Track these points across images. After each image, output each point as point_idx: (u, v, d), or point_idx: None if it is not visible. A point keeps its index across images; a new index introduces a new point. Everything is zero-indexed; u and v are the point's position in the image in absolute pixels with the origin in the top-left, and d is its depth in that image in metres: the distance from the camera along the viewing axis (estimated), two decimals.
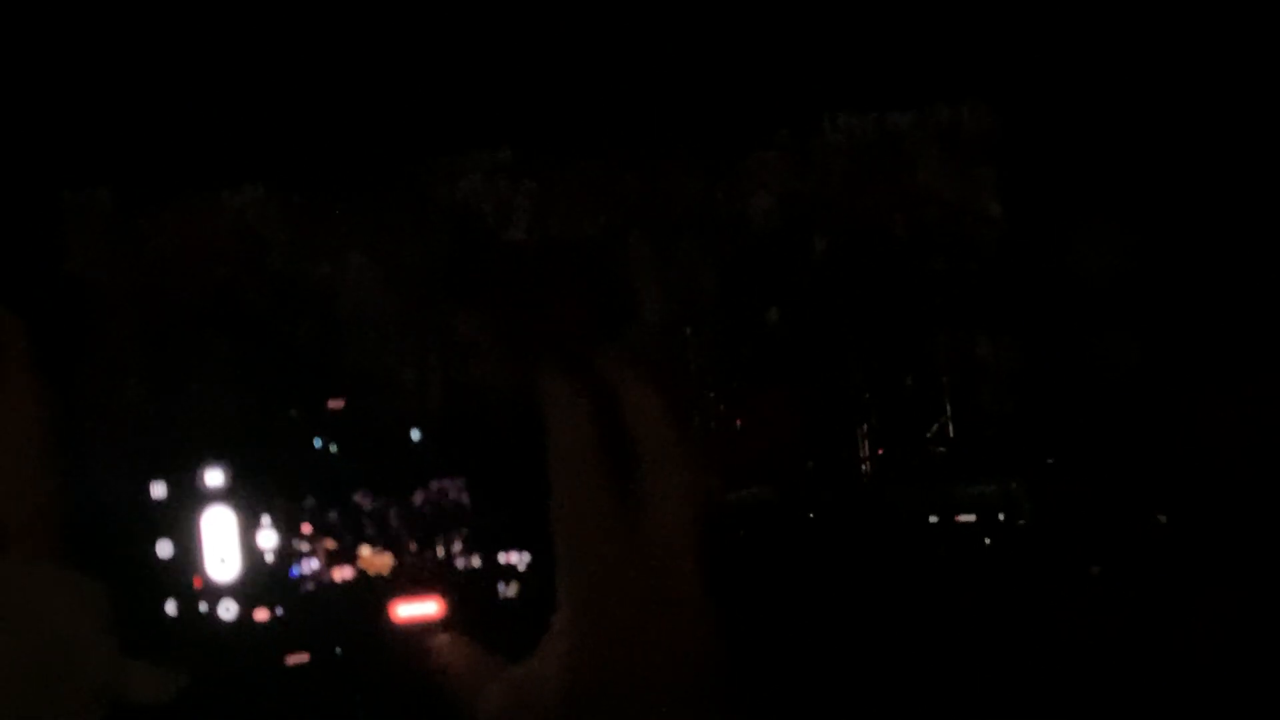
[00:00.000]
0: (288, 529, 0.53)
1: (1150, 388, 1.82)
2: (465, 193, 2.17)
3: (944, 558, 1.72)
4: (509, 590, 0.53)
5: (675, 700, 0.54)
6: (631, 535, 0.55)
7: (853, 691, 1.45)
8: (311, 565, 0.54)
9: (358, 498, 0.53)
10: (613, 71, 2.11)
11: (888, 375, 2.09)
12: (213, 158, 2.03)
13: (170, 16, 1.90)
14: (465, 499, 0.53)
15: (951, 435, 2.01)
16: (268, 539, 0.52)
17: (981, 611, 1.61)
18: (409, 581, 0.54)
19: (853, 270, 2.09)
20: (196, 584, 0.52)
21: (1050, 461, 1.86)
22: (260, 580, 0.53)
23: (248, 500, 0.52)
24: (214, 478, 0.50)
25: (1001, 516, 1.74)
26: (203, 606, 0.50)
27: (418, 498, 0.53)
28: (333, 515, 0.53)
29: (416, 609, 0.56)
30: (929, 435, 2.03)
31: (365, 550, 0.55)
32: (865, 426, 2.08)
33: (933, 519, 1.77)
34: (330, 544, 0.54)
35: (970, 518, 1.75)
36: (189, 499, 0.50)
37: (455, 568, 0.53)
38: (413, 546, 0.54)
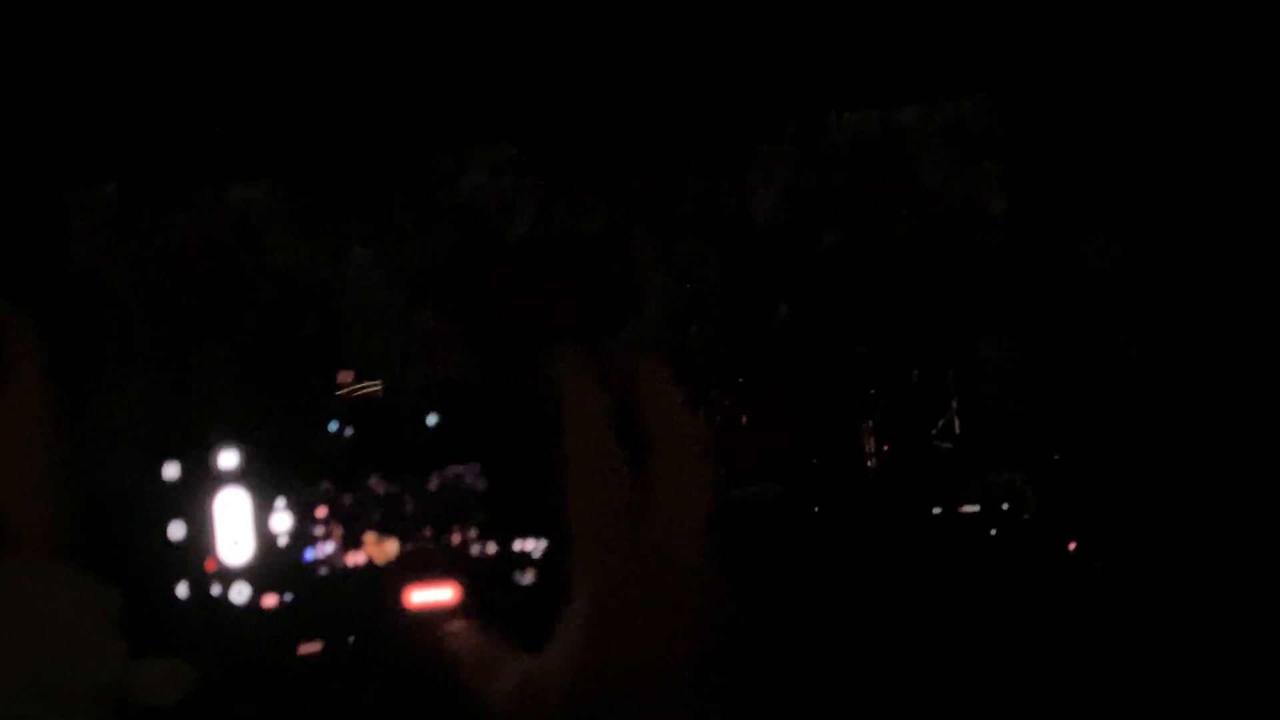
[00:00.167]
0: (301, 513, 0.52)
1: (1154, 385, 1.82)
2: (469, 189, 2.17)
3: (948, 551, 1.72)
4: (524, 578, 0.52)
5: (688, 691, 0.53)
6: (645, 526, 0.54)
7: (857, 687, 1.45)
8: (325, 550, 0.54)
9: (372, 482, 0.52)
10: (616, 68, 2.11)
11: (892, 372, 2.09)
12: (216, 154, 2.03)
13: (174, 12, 1.90)
14: (481, 485, 0.53)
15: (957, 431, 2.01)
16: (281, 522, 0.51)
17: (985, 607, 1.61)
18: (424, 568, 0.54)
19: (857, 266, 2.09)
20: (209, 567, 0.51)
21: (1056, 457, 1.87)
22: (273, 564, 0.52)
23: (261, 483, 0.51)
24: (228, 459, 0.49)
25: (1006, 506, 1.74)
26: (215, 589, 0.50)
27: (433, 483, 0.53)
28: (347, 500, 0.52)
29: (431, 595, 0.55)
30: (934, 432, 2.02)
31: (370, 537, 0.54)
32: (870, 423, 2.08)
33: (936, 510, 1.78)
34: (344, 529, 0.53)
35: (974, 508, 1.76)
36: (202, 481, 0.50)
37: (470, 554, 0.53)
38: (428, 532, 0.54)
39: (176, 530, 0.49)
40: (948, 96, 2.19)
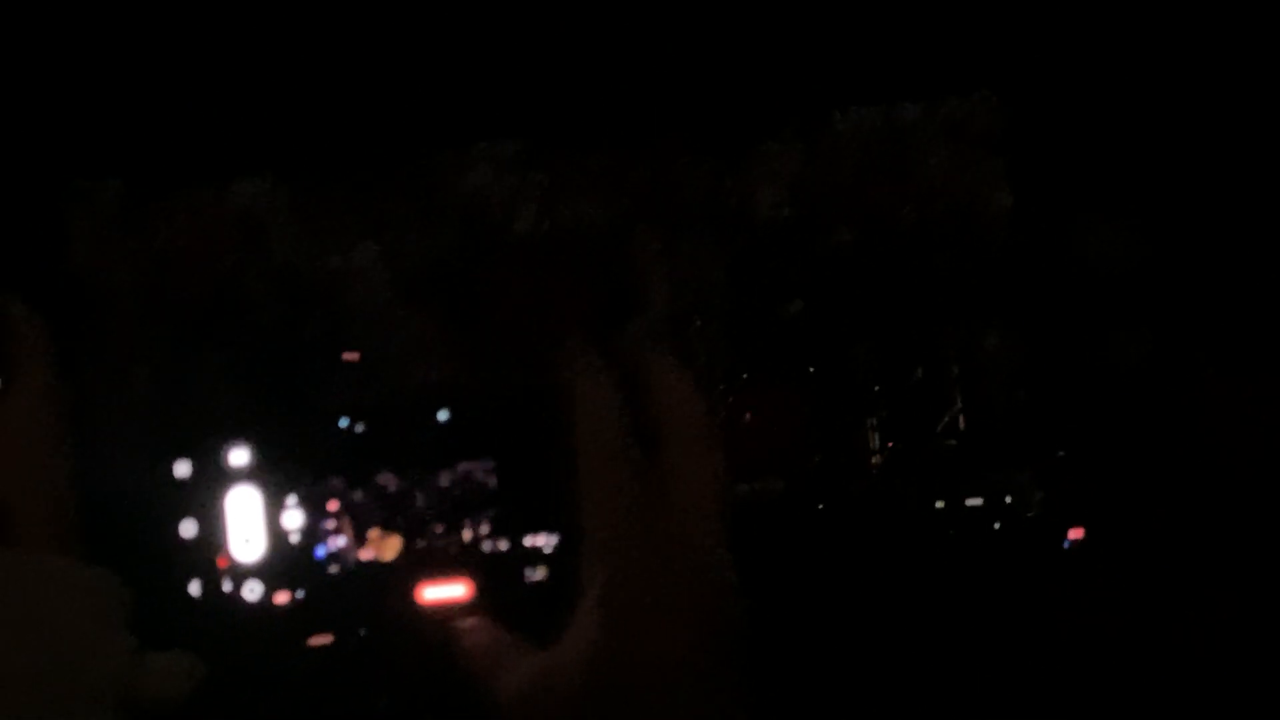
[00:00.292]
0: (313, 510, 0.52)
1: (1160, 382, 1.82)
2: (472, 186, 2.17)
3: (951, 548, 1.72)
4: (536, 573, 0.52)
5: (701, 686, 0.53)
6: (658, 520, 0.55)
7: (863, 683, 1.45)
8: (337, 546, 0.54)
9: (383, 479, 0.52)
10: (621, 64, 2.11)
11: (896, 368, 2.09)
12: (219, 151, 2.03)
13: (177, 8, 1.90)
14: (492, 481, 0.52)
15: (961, 428, 2.01)
16: (293, 519, 0.51)
17: (989, 604, 1.61)
18: (436, 564, 0.53)
19: (861, 263, 2.09)
20: (221, 564, 0.51)
21: (1061, 454, 1.87)
22: (285, 561, 0.52)
23: (273, 480, 0.51)
24: (238, 457, 0.49)
25: (1009, 500, 1.75)
26: (227, 586, 0.49)
27: (444, 479, 0.52)
28: (358, 496, 0.52)
29: (443, 591, 0.55)
30: (939, 428, 2.02)
31: (382, 533, 0.54)
32: (873, 420, 2.08)
33: (939, 504, 1.78)
34: (356, 525, 0.53)
35: (978, 501, 1.76)
36: (213, 478, 0.50)
37: (482, 550, 0.52)
38: (439, 528, 0.53)
39: (188, 528, 0.49)
40: (952, 93, 2.19)
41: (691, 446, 0.58)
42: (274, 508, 0.50)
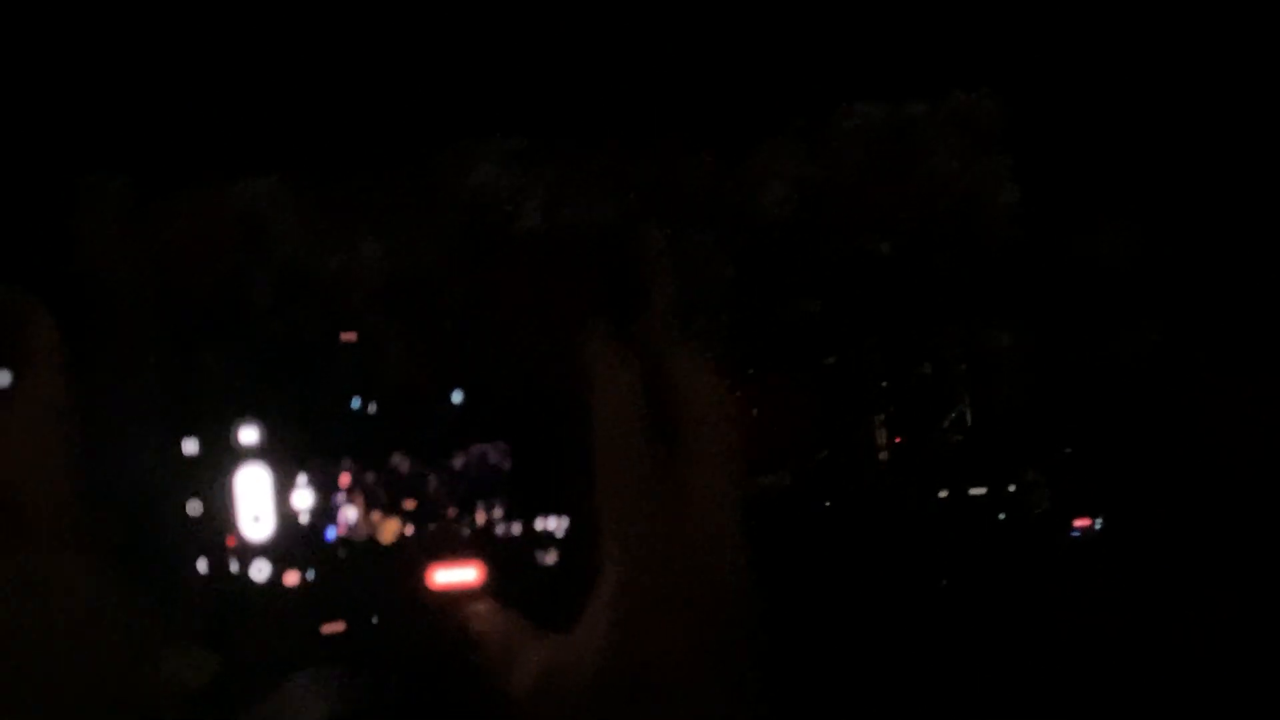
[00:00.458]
0: (323, 490, 0.51)
1: (1167, 379, 1.82)
2: (477, 182, 2.17)
3: (958, 540, 1.72)
4: (549, 558, 0.51)
5: (714, 676, 0.52)
6: (674, 508, 0.54)
7: (870, 678, 1.45)
8: (346, 528, 0.53)
9: (395, 460, 0.51)
10: (624, 60, 2.11)
11: (904, 364, 2.09)
12: (225, 147, 2.03)
13: (183, 4, 1.90)
14: (506, 464, 0.52)
15: (968, 424, 2.00)
16: (303, 499, 0.51)
17: (994, 601, 1.61)
18: (447, 547, 0.53)
19: (867, 258, 2.08)
20: (230, 543, 0.50)
21: (1068, 451, 1.87)
22: (294, 541, 0.51)
23: (283, 459, 0.50)
24: (249, 435, 0.48)
25: (1013, 489, 1.74)
26: (235, 566, 0.49)
27: (457, 462, 0.52)
28: (369, 478, 0.51)
29: (455, 575, 0.54)
30: (946, 424, 2.02)
31: (393, 515, 0.53)
32: (881, 416, 2.07)
33: (943, 494, 1.78)
34: (366, 507, 0.52)
35: (981, 490, 1.76)
36: (222, 457, 0.49)
37: (495, 534, 0.52)
38: (451, 512, 0.53)
39: (195, 506, 0.49)
40: (958, 88, 2.19)
41: (709, 437, 0.58)
42: (284, 487, 0.50)
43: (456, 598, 0.56)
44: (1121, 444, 1.75)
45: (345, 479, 0.52)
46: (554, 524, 0.54)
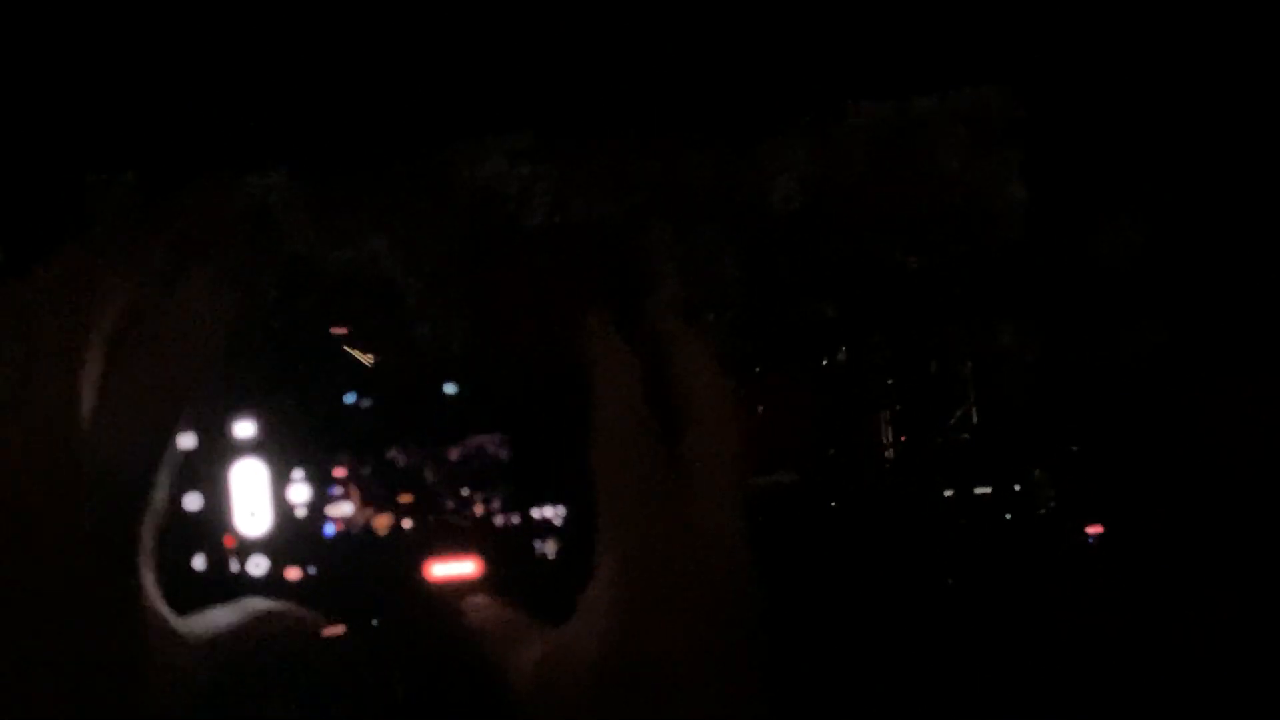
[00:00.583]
0: (319, 484, 0.51)
1: (1173, 377, 1.81)
2: (485, 177, 2.17)
3: (963, 539, 1.72)
4: (549, 551, 0.51)
5: (716, 669, 0.52)
6: (676, 501, 0.54)
7: (874, 676, 1.45)
8: (343, 522, 0.53)
9: (392, 453, 0.51)
10: (634, 56, 2.11)
11: (910, 361, 2.08)
12: (233, 143, 2.04)
13: (190, 1, 1.90)
14: (504, 455, 0.52)
15: (974, 422, 2.00)
16: (299, 494, 0.50)
17: (1000, 599, 1.61)
18: (445, 540, 0.53)
19: (874, 255, 2.08)
20: (229, 543, 0.50)
21: (1074, 449, 1.86)
22: (291, 536, 0.51)
23: (279, 454, 0.50)
24: (244, 429, 0.48)
25: (1018, 488, 1.74)
26: (232, 561, 0.49)
27: (454, 453, 0.51)
28: (366, 471, 0.51)
29: (453, 569, 0.54)
30: (952, 422, 2.02)
31: (390, 508, 0.53)
32: (887, 413, 2.07)
33: (948, 493, 1.78)
34: (363, 500, 0.52)
35: (986, 490, 1.76)
36: (218, 451, 0.49)
37: (493, 527, 0.52)
38: (449, 504, 0.53)
39: (192, 501, 0.48)
40: (966, 84, 2.19)
41: (712, 430, 0.57)
42: (280, 482, 0.50)
43: (455, 591, 0.56)
44: (1126, 442, 1.75)
45: (342, 473, 0.52)
46: (553, 516, 0.54)
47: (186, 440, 0.52)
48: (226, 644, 0.54)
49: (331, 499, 0.54)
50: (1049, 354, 1.95)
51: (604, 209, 2.06)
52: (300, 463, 0.54)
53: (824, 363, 2.12)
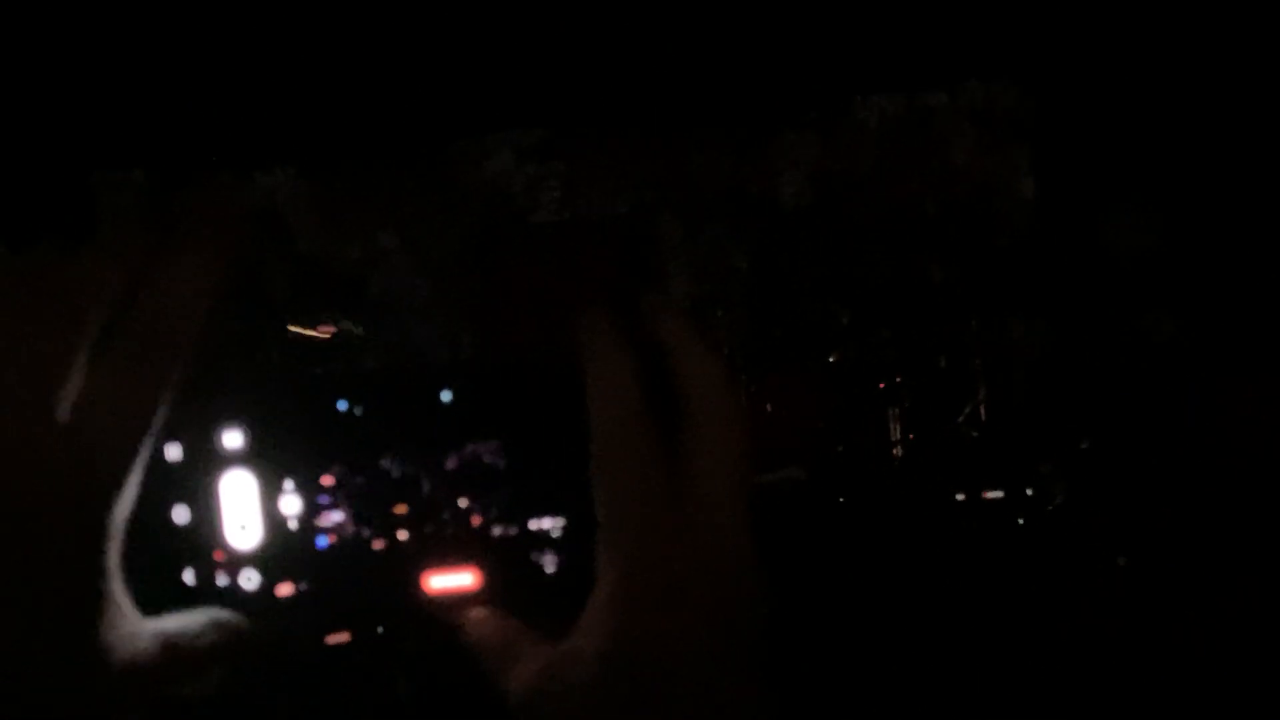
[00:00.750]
0: (311, 495, 0.51)
1: (1183, 372, 1.80)
2: (494, 174, 2.17)
3: (972, 537, 1.71)
4: (547, 560, 0.50)
5: (718, 678, 0.51)
6: (678, 504, 0.52)
7: (880, 673, 1.44)
8: (336, 534, 0.52)
9: (385, 463, 0.51)
10: (642, 52, 2.10)
11: (920, 358, 2.07)
12: (242, 141, 2.03)
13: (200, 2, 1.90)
14: (501, 463, 0.51)
15: (984, 419, 1.99)
16: (290, 505, 0.49)
17: (1007, 597, 1.60)
18: (442, 551, 0.52)
19: (883, 251, 2.07)
20: (218, 556, 0.49)
21: (1084, 446, 1.85)
22: (282, 549, 0.50)
23: (269, 464, 0.49)
24: (233, 439, 0.47)
25: (1030, 492, 1.72)
26: (222, 575, 0.48)
27: (450, 462, 0.51)
28: (359, 481, 0.50)
29: (450, 580, 0.53)
30: (961, 419, 2.01)
31: (366, 520, 0.52)
32: (896, 410, 2.06)
33: (960, 496, 1.76)
34: (357, 511, 0.52)
35: (998, 494, 1.75)
36: (207, 462, 0.48)
37: (491, 537, 0.51)
38: (446, 514, 0.52)
39: (180, 514, 0.48)
40: (976, 80, 2.17)
41: (717, 423, 0.56)
42: (270, 493, 0.49)
43: (453, 603, 0.55)
44: (1136, 439, 1.73)
45: (334, 484, 0.51)
46: (551, 527, 0.53)
47: (173, 451, 0.51)
48: (186, 651, 0.52)
49: (324, 510, 0.53)
50: (1058, 350, 1.94)
51: (612, 206, 2.06)
52: (291, 473, 0.53)
53: (831, 360, 2.11)
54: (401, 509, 0.52)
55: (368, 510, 0.52)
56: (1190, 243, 1.85)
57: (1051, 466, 1.81)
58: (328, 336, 1.95)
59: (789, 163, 2.14)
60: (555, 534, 0.52)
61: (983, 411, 2.00)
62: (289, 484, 0.51)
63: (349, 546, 0.52)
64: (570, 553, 0.50)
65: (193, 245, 0.50)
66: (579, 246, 2.01)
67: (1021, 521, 1.72)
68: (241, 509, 0.51)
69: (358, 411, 0.51)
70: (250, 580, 0.50)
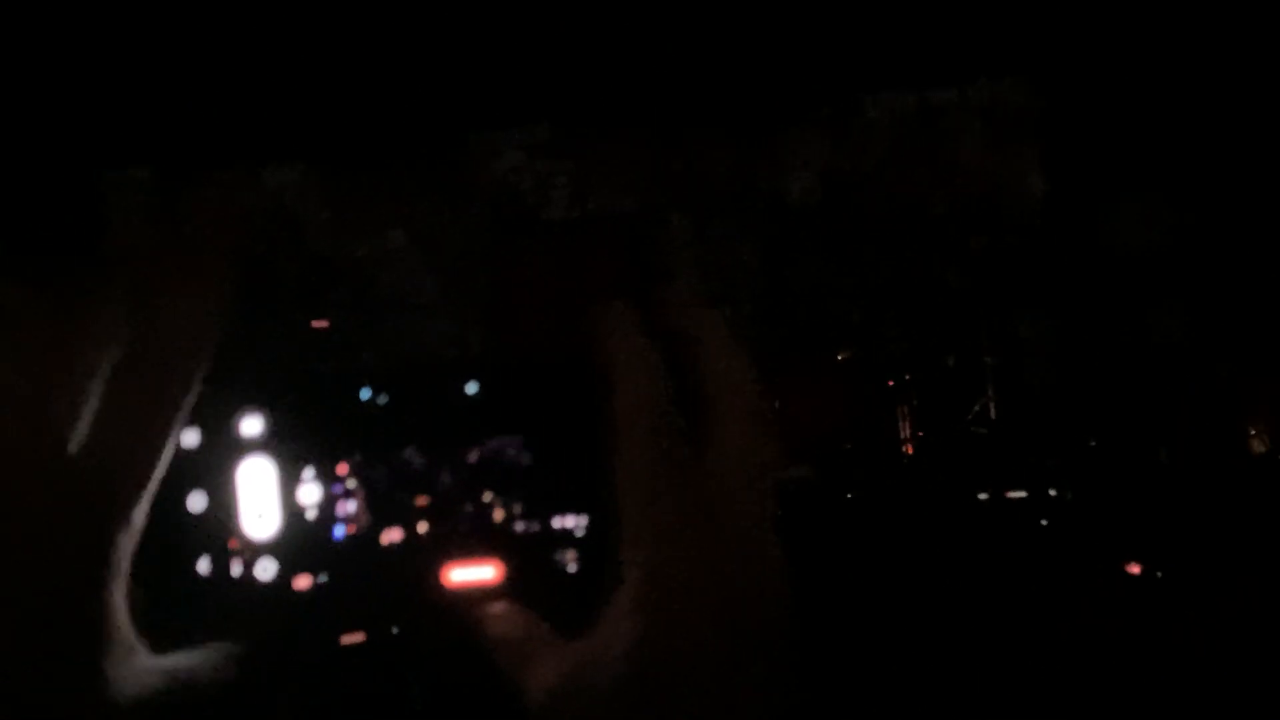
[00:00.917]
0: (331, 485, 0.50)
1: (1193, 370, 1.80)
2: (503, 171, 2.17)
3: (991, 538, 1.71)
4: (568, 558, 0.50)
5: (742, 678, 0.51)
6: (703, 500, 0.52)
7: (895, 671, 1.45)
8: (356, 525, 0.52)
9: (408, 454, 0.50)
10: (652, 49, 2.10)
11: (929, 355, 2.08)
12: (249, 138, 2.04)
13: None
14: (524, 457, 0.50)
15: (993, 416, 1.99)
16: (309, 495, 0.49)
17: (1017, 596, 1.61)
18: (463, 544, 0.51)
19: (893, 249, 2.07)
20: (232, 544, 0.49)
21: (1093, 444, 1.85)
22: (301, 539, 0.50)
23: (289, 451, 0.49)
24: (251, 426, 0.46)
25: (1053, 492, 1.72)
26: (237, 565, 0.47)
27: (473, 456, 0.50)
28: (381, 472, 0.50)
29: (471, 574, 0.53)
30: (970, 416, 2.01)
31: (387, 512, 0.52)
32: (905, 407, 2.06)
33: (982, 495, 1.76)
34: (377, 503, 0.51)
35: (1021, 494, 1.74)
36: (225, 450, 0.47)
37: (513, 530, 0.50)
38: (467, 507, 0.51)
39: (197, 501, 0.47)
40: (985, 77, 2.17)
41: (741, 423, 0.56)
42: (289, 482, 0.48)
43: (473, 597, 0.55)
44: (1143, 436, 1.74)
45: (354, 473, 0.52)
46: (574, 523, 0.53)
47: (190, 438, 0.51)
48: (185, 674, 0.52)
49: (343, 499, 0.53)
50: (1067, 347, 1.94)
51: (622, 202, 2.06)
52: (311, 461, 0.53)
53: (840, 357, 2.11)
54: (423, 501, 0.52)
55: (388, 501, 0.52)
56: (1202, 241, 1.85)
57: (1057, 464, 1.82)
58: (325, 326, 1.96)
59: (799, 160, 2.14)
60: (578, 532, 0.52)
61: (992, 409, 2.00)
62: (309, 472, 0.51)
63: (368, 537, 0.52)
64: (592, 551, 0.50)
65: (202, 245, 0.50)
66: (589, 243, 2.01)
67: (1044, 522, 1.72)
68: (259, 497, 0.51)
69: (381, 401, 0.51)
70: (266, 570, 0.50)
